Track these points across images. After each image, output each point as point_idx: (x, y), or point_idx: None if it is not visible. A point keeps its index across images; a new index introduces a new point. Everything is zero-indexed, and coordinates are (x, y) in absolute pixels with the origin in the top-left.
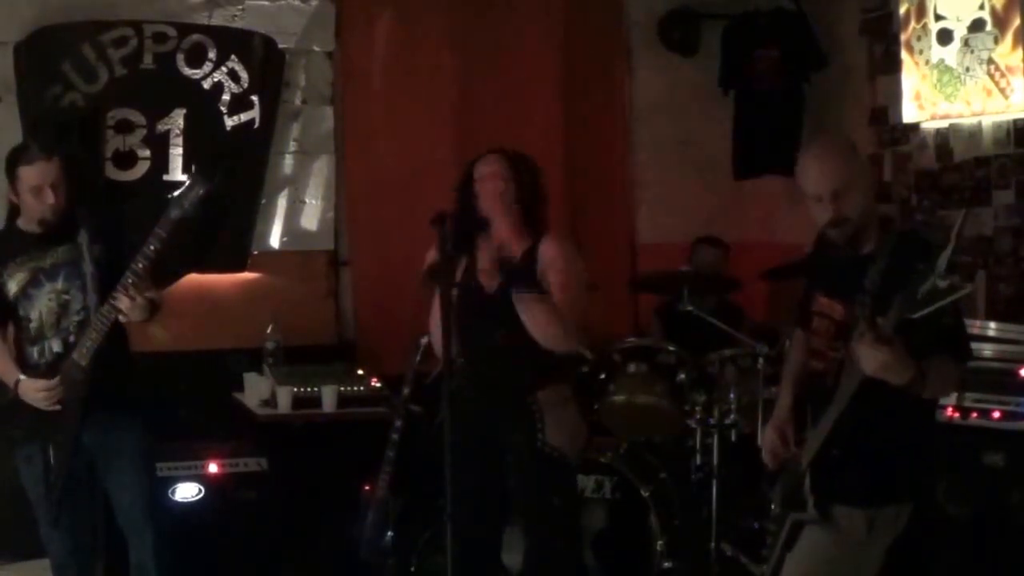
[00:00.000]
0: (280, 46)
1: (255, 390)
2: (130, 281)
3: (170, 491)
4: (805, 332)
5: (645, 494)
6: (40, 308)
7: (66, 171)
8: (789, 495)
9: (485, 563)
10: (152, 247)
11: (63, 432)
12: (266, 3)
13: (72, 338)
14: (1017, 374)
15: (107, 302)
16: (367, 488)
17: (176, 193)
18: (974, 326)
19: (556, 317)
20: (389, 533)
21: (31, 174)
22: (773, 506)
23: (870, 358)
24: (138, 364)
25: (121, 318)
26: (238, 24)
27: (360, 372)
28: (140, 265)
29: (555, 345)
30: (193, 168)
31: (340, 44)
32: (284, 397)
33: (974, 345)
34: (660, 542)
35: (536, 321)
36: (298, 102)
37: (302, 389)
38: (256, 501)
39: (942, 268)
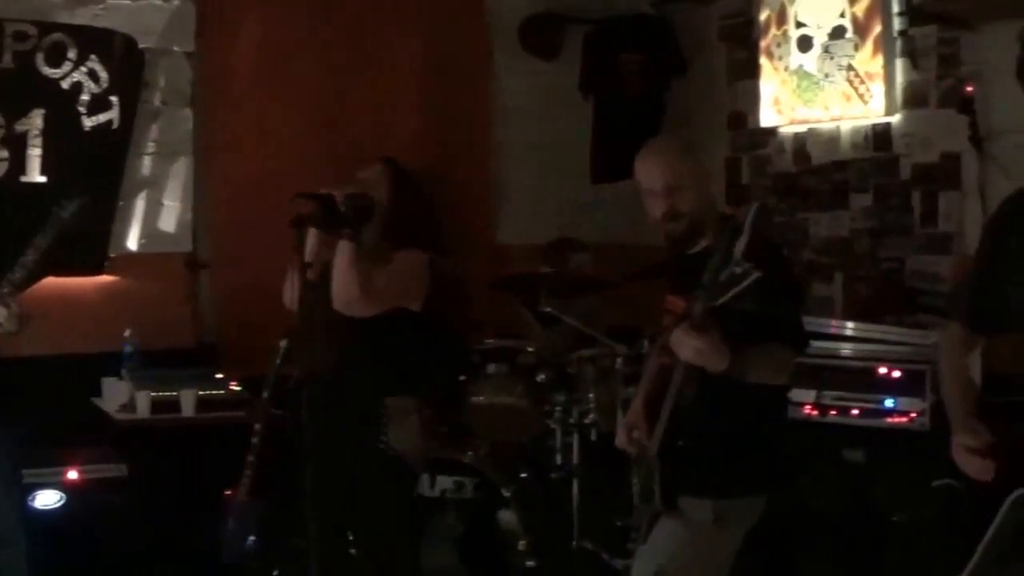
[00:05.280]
0: (140, 46)
1: (113, 395)
2: (6, 291)
3: (30, 498)
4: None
5: (507, 494)
6: None
7: None
8: (643, 488)
9: (337, 564)
10: (31, 258)
11: None
12: (127, 2)
13: None
14: (875, 372)
15: None
16: (228, 493)
17: (57, 206)
18: (832, 326)
19: (356, 268)
20: (251, 538)
21: None
22: (635, 501)
23: (684, 345)
24: None
25: None
26: (99, 23)
27: (219, 375)
28: (17, 275)
29: (344, 298)
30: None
31: (200, 45)
32: (143, 401)
33: (832, 344)
34: (523, 541)
35: (340, 266)
36: (157, 103)
37: (161, 393)
38: (118, 507)
39: (738, 255)
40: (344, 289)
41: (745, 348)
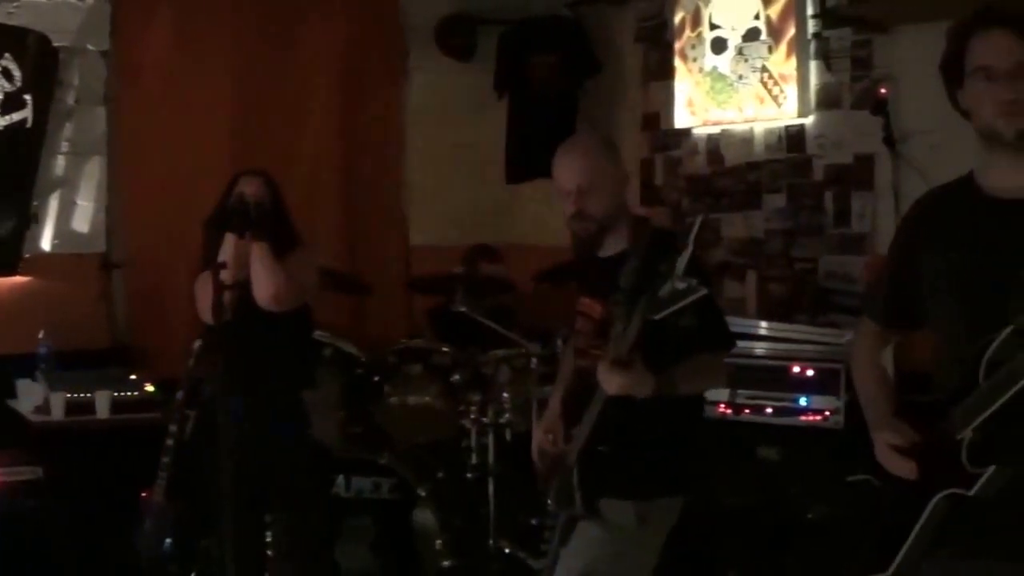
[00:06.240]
0: (55, 44)
1: (28, 396)
2: None
3: None
4: (572, 333)
5: (423, 494)
6: None
7: None
8: (560, 492)
9: (253, 564)
10: None
11: None
12: (42, 0)
13: None
14: (789, 371)
15: None
16: (144, 494)
17: None
18: (746, 325)
19: (275, 269)
20: (167, 539)
21: None
22: (550, 503)
23: (609, 381)
24: None
25: None
26: (13, 21)
27: (133, 377)
28: None
29: (270, 292)
30: None
31: (115, 44)
32: (57, 403)
33: (746, 344)
34: (439, 541)
35: (261, 264)
36: (71, 102)
37: (75, 395)
38: (35, 510)
39: (680, 271)
40: (272, 284)
41: (672, 365)
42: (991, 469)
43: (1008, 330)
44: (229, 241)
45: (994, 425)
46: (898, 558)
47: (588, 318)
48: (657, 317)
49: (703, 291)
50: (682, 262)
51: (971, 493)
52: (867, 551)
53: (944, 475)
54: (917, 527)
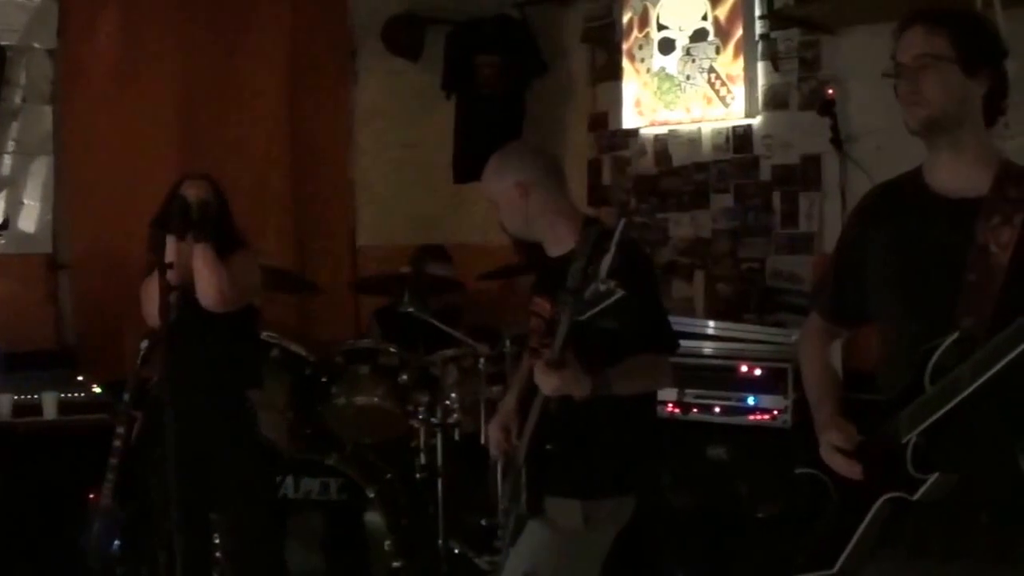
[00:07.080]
0: (1, 43)
1: None
2: None
3: None
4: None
5: (371, 495)
6: None
7: None
8: (511, 490)
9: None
10: None
11: None
12: None
13: None
14: (736, 370)
15: None
16: (92, 496)
17: None
18: (694, 325)
19: (218, 269)
20: (116, 542)
21: None
22: (502, 501)
23: (544, 382)
24: None
25: None
26: None
27: (80, 378)
28: None
29: (214, 293)
30: None
31: (62, 42)
32: (4, 404)
33: (694, 343)
34: (388, 542)
35: (204, 266)
36: (18, 101)
37: (22, 396)
38: None
39: (603, 273)
40: (216, 284)
41: (609, 365)
42: (935, 476)
43: (952, 337)
44: (171, 243)
45: (939, 431)
46: (843, 556)
47: (540, 317)
48: (580, 319)
49: (620, 293)
50: (605, 264)
51: (914, 498)
52: (814, 548)
53: (889, 478)
54: (861, 527)
